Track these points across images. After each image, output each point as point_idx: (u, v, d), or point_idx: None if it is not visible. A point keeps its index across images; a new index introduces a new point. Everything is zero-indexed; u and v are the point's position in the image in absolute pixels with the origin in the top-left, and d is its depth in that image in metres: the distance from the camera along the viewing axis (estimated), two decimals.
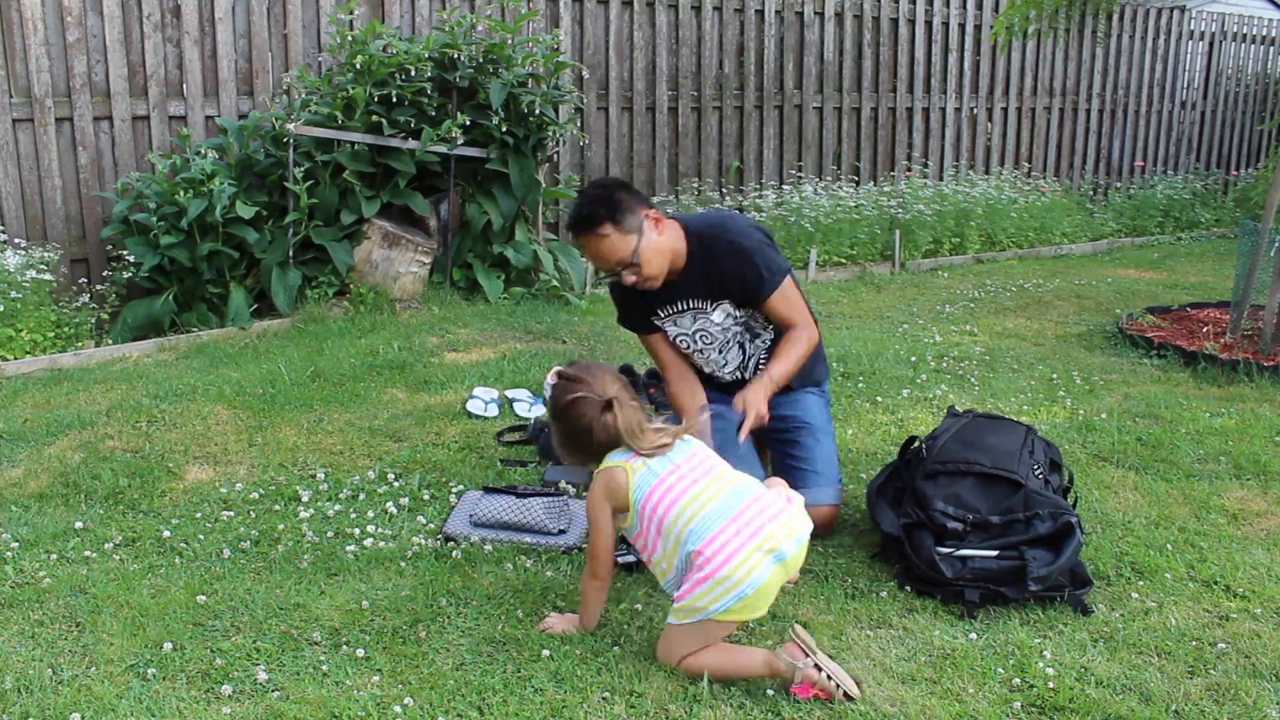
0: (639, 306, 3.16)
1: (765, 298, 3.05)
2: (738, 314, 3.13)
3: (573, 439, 2.48)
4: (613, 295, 3.24)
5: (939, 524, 2.73)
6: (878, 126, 8.37)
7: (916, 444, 3.03)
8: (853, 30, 8.08)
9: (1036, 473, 2.84)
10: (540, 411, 4.05)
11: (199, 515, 3.12)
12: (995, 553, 2.66)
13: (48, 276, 5.00)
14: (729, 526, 2.29)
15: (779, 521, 2.32)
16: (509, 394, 4.15)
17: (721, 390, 3.24)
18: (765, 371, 3.03)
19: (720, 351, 3.18)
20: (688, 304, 3.10)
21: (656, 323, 3.17)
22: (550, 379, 4.24)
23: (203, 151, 5.30)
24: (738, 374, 3.23)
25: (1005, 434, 2.98)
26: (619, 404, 2.41)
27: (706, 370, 3.25)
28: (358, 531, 3.01)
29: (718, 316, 3.12)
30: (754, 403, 2.89)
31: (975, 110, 8.91)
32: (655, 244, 2.93)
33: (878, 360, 4.78)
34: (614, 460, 2.41)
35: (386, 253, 5.43)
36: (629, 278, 2.95)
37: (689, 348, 3.19)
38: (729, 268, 3.03)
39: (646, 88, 7.17)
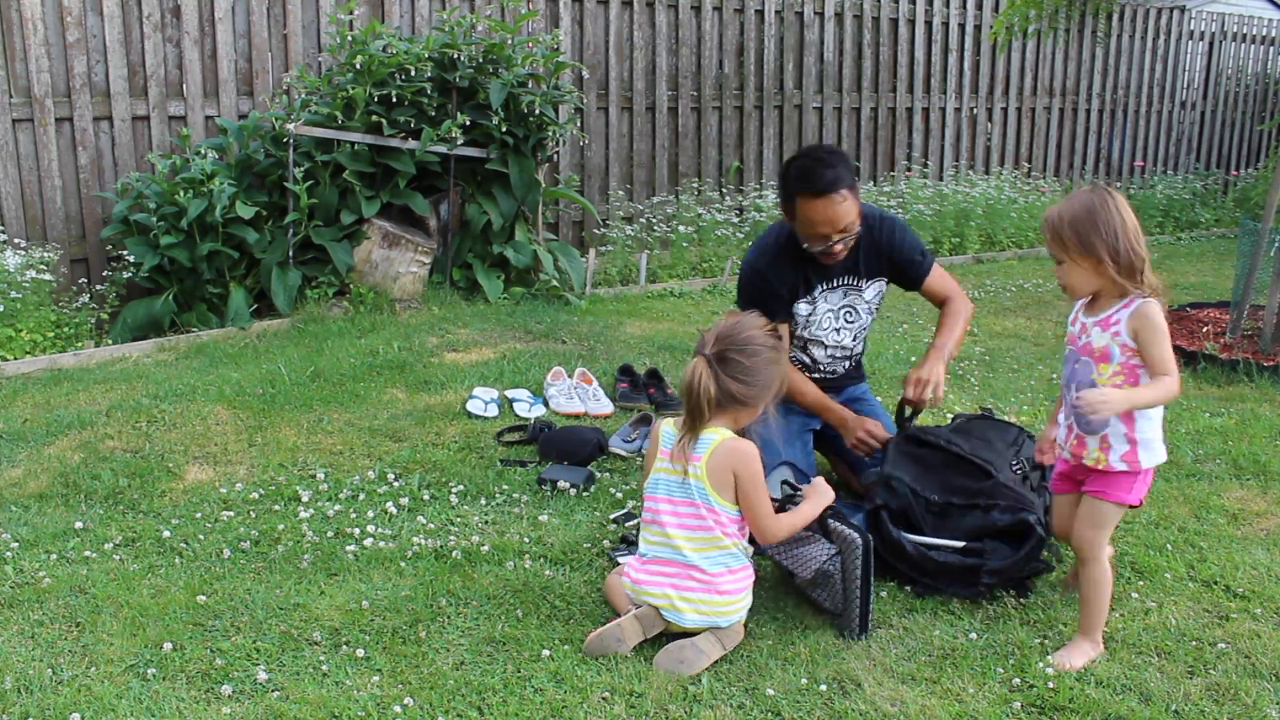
0: (792, 285, 3.15)
1: (927, 273, 3.21)
2: (881, 292, 3.24)
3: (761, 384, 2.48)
4: (759, 272, 3.17)
5: (901, 506, 2.78)
6: (878, 126, 8.37)
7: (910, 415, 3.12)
8: (853, 30, 8.08)
9: (1014, 467, 2.87)
10: (540, 411, 4.05)
11: (199, 515, 3.12)
12: (961, 544, 2.69)
13: (48, 276, 5.00)
14: None
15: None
16: (509, 394, 4.15)
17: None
18: (935, 346, 3.11)
19: (855, 338, 3.27)
20: (844, 279, 3.17)
21: (798, 304, 3.17)
22: (550, 379, 4.24)
23: (203, 151, 5.30)
24: (847, 364, 3.34)
25: (999, 431, 3.07)
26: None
27: (824, 360, 3.30)
28: (358, 531, 3.01)
29: (869, 294, 3.22)
30: (937, 376, 2.99)
31: (975, 110, 8.91)
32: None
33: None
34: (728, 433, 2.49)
35: (386, 253, 5.43)
36: (838, 247, 3.01)
37: (827, 327, 3.22)
38: (899, 242, 3.16)
39: (646, 88, 7.16)
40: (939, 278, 3.27)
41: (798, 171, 2.96)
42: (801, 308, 3.18)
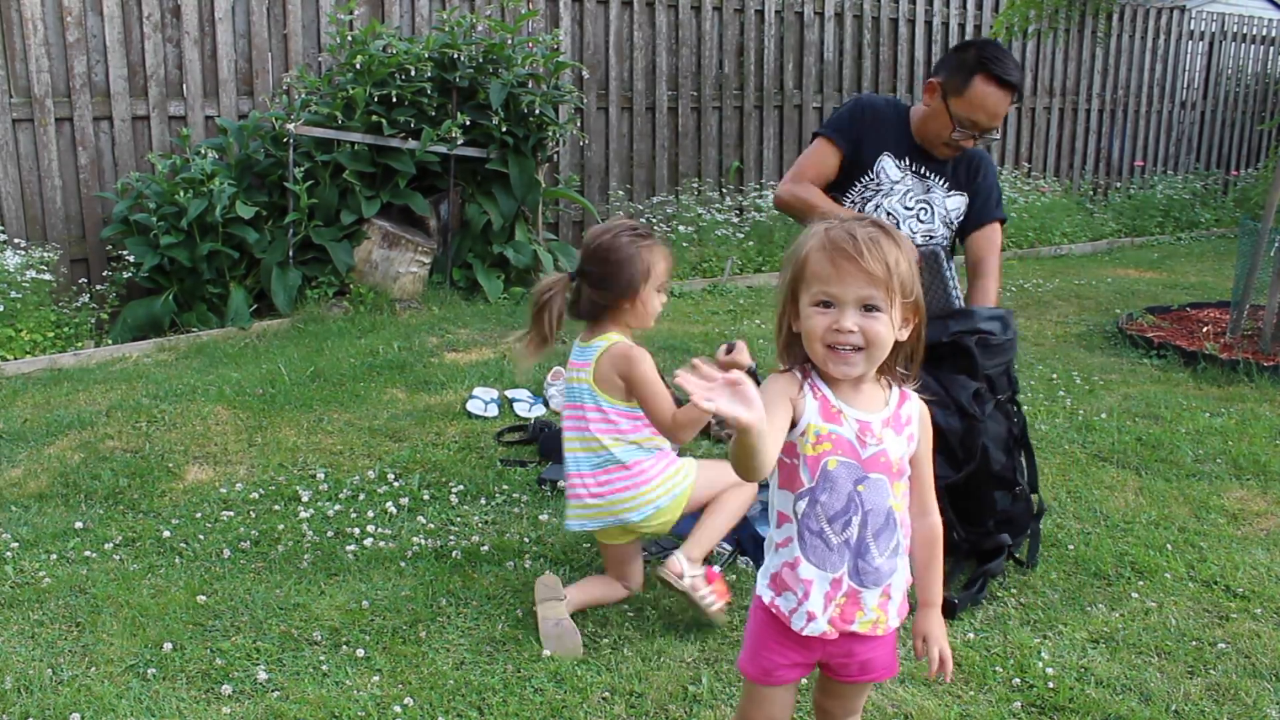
0: (882, 137, 3.08)
1: (990, 221, 3.12)
2: (960, 213, 3.15)
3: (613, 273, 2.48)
4: (871, 103, 3.14)
5: None
6: None
7: None
8: (853, 30, 8.08)
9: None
10: (540, 411, 4.05)
11: (199, 515, 3.12)
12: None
13: (48, 276, 5.00)
14: None
15: None
16: (509, 394, 4.15)
17: None
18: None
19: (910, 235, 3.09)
20: (931, 174, 3.10)
21: (888, 161, 3.08)
22: (550, 379, 4.24)
23: (203, 151, 5.30)
24: None
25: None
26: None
27: None
28: (358, 531, 3.01)
29: (951, 202, 3.12)
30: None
31: None
32: None
33: None
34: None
35: (386, 253, 5.44)
36: (969, 141, 2.98)
37: (898, 209, 3.10)
38: (991, 174, 3.15)
39: (646, 88, 7.16)
40: (995, 239, 3.14)
41: (990, 54, 2.89)
42: (892, 169, 3.07)
